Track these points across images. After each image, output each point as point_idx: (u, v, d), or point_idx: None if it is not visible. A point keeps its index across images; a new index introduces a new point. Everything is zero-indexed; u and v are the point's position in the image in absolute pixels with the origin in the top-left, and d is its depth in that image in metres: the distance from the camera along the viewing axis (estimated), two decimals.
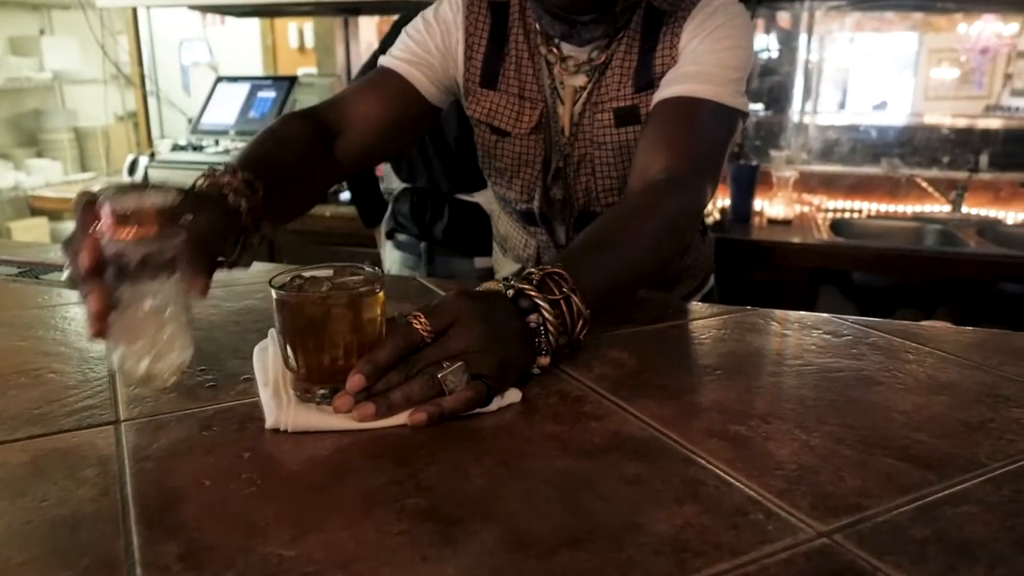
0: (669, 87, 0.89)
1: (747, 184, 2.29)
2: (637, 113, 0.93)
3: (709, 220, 2.28)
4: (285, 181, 0.80)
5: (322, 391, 0.59)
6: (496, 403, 0.60)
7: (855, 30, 3.32)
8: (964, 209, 2.52)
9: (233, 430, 0.57)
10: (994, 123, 2.95)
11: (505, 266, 1.21)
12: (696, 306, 0.93)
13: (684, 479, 0.51)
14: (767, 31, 3.02)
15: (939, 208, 2.56)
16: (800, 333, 0.82)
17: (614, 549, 0.43)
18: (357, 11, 3.16)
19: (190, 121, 3.31)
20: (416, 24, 0.99)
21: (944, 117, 3.10)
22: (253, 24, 3.99)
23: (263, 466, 0.52)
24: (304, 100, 3.23)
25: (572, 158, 0.99)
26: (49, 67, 4.85)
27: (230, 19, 3.76)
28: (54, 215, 4.57)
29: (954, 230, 2.38)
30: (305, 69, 4.44)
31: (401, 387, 0.57)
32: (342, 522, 0.45)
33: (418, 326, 0.59)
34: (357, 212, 2.13)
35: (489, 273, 2.03)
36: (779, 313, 0.88)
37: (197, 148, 2.98)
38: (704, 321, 0.85)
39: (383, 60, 0.98)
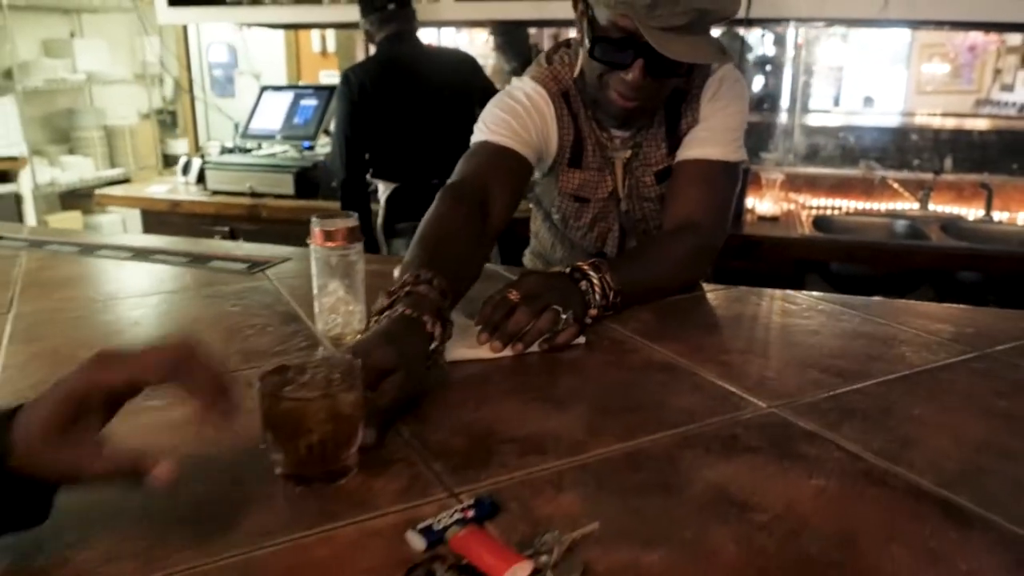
0: (689, 149, 1.18)
1: (739, 186, 2.63)
2: (671, 170, 1.23)
3: None
4: (465, 277, 0.96)
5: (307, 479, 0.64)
6: (578, 340, 0.94)
7: (849, 26, 3.57)
8: (930, 207, 2.86)
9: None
10: (971, 123, 3.29)
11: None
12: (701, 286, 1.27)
13: (691, 383, 0.85)
14: (763, 32, 3.32)
15: (909, 206, 2.90)
16: (770, 303, 1.16)
17: (654, 413, 0.77)
18: None
19: (236, 126, 3.63)
20: (515, 109, 1.16)
21: (926, 118, 3.43)
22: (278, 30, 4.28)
23: (463, 381, 0.86)
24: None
25: (630, 213, 1.29)
26: (81, 68, 5.13)
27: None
28: (87, 209, 4.90)
29: (921, 226, 2.72)
30: (327, 71, 4.76)
31: (533, 325, 0.90)
32: (509, 403, 0.79)
33: (512, 296, 0.92)
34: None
35: None
36: (757, 290, 1.22)
37: (245, 151, 3.30)
38: (706, 295, 1.19)
39: (496, 139, 1.14)
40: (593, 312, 0.99)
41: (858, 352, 0.95)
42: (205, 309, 1.10)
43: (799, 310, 1.12)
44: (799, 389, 0.84)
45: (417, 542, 0.56)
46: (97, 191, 3.42)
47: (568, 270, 1.00)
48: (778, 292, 1.21)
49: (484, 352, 0.90)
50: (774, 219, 2.72)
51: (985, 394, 0.84)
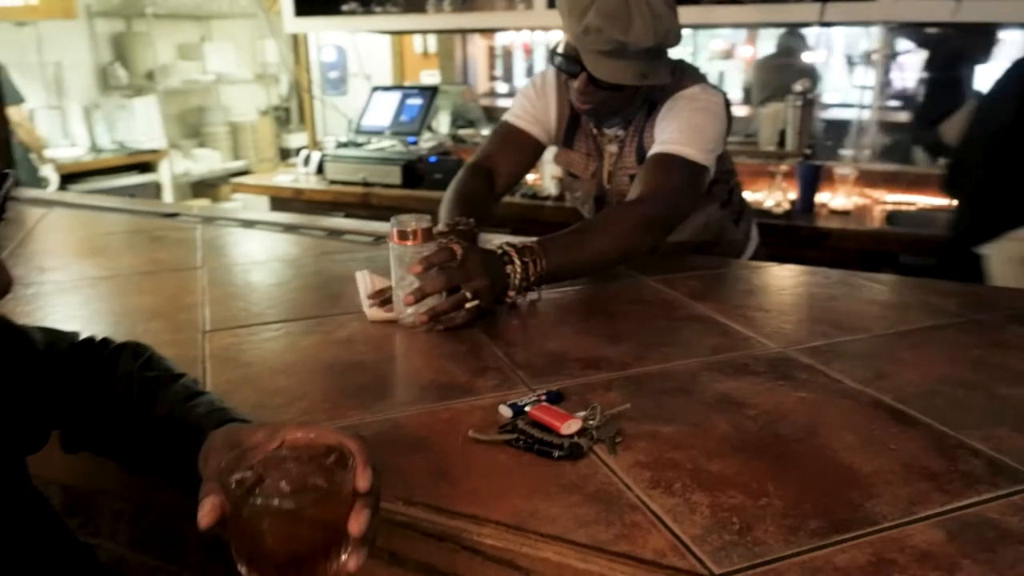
0: (653, 148, 1.34)
1: (811, 180, 2.78)
2: None
3: (779, 209, 2.78)
4: (482, 221, 1.33)
5: None
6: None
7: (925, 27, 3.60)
8: None
9: None
10: None
11: None
12: (721, 260, 1.49)
13: (720, 330, 1.09)
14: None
15: None
16: (807, 277, 1.37)
17: (686, 348, 1.01)
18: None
19: (350, 122, 4.02)
20: (528, 94, 1.51)
21: None
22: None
23: (545, 322, 1.13)
24: (442, 104, 3.87)
25: (615, 196, 1.50)
26: (210, 70, 5.71)
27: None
28: (214, 196, 5.46)
29: None
30: (428, 71, 5.11)
31: (445, 301, 1.06)
32: (578, 337, 1.05)
33: (456, 248, 1.09)
34: None
35: None
36: (797, 267, 1.43)
37: (357, 145, 3.67)
38: (725, 270, 1.41)
39: (511, 120, 1.51)
40: (511, 293, 1.14)
41: (866, 314, 1.16)
42: (349, 268, 1.41)
43: (828, 283, 1.32)
44: (807, 337, 1.06)
45: (506, 411, 0.83)
46: (232, 180, 3.87)
47: (501, 251, 1.13)
48: (816, 268, 1.42)
49: (392, 316, 1.11)
50: (846, 213, 2.85)
51: (964, 346, 1.03)
